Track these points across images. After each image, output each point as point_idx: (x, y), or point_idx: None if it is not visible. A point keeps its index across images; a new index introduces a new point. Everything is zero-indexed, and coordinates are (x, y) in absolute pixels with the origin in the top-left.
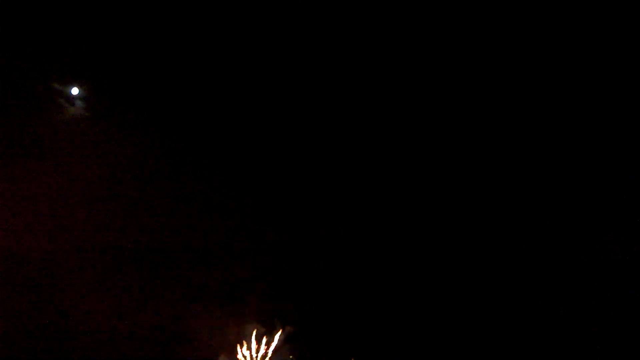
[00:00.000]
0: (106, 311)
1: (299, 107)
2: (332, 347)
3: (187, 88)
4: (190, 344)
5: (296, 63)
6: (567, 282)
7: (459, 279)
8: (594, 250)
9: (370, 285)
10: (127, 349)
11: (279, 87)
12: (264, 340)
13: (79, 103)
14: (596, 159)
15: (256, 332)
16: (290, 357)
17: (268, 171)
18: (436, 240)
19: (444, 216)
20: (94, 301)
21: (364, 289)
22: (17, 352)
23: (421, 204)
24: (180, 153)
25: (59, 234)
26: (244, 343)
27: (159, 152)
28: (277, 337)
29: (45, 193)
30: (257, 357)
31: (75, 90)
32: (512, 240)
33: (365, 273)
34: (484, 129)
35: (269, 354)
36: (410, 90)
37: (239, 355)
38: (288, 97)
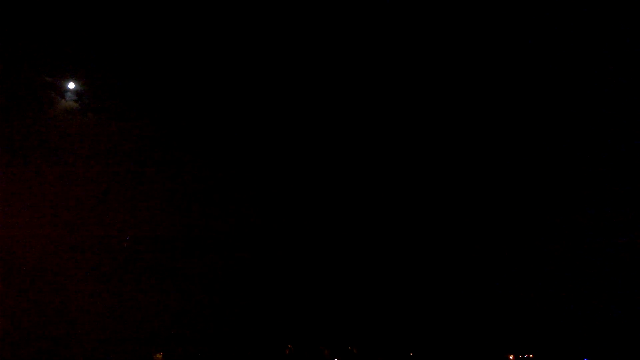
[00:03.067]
0: (106, 311)
1: (297, 107)
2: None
3: (185, 82)
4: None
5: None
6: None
7: (459, 275)
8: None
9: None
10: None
11: (278, 85)
12: None
13: (74, 97)
14: (596, 159)
15: None
16: (289, 346)
17: (267, 169)
18: (436, 238)
19: (443, 215)
20: (93, 301)
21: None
22: (16, 352)
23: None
24: (179, 148)
25: (54, 230)
26: None
27: (159, 147)
28: None
29: (40, 190)
30: None
31: (71, 85)
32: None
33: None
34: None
35: None
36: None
37: None
38: (287, 96)
